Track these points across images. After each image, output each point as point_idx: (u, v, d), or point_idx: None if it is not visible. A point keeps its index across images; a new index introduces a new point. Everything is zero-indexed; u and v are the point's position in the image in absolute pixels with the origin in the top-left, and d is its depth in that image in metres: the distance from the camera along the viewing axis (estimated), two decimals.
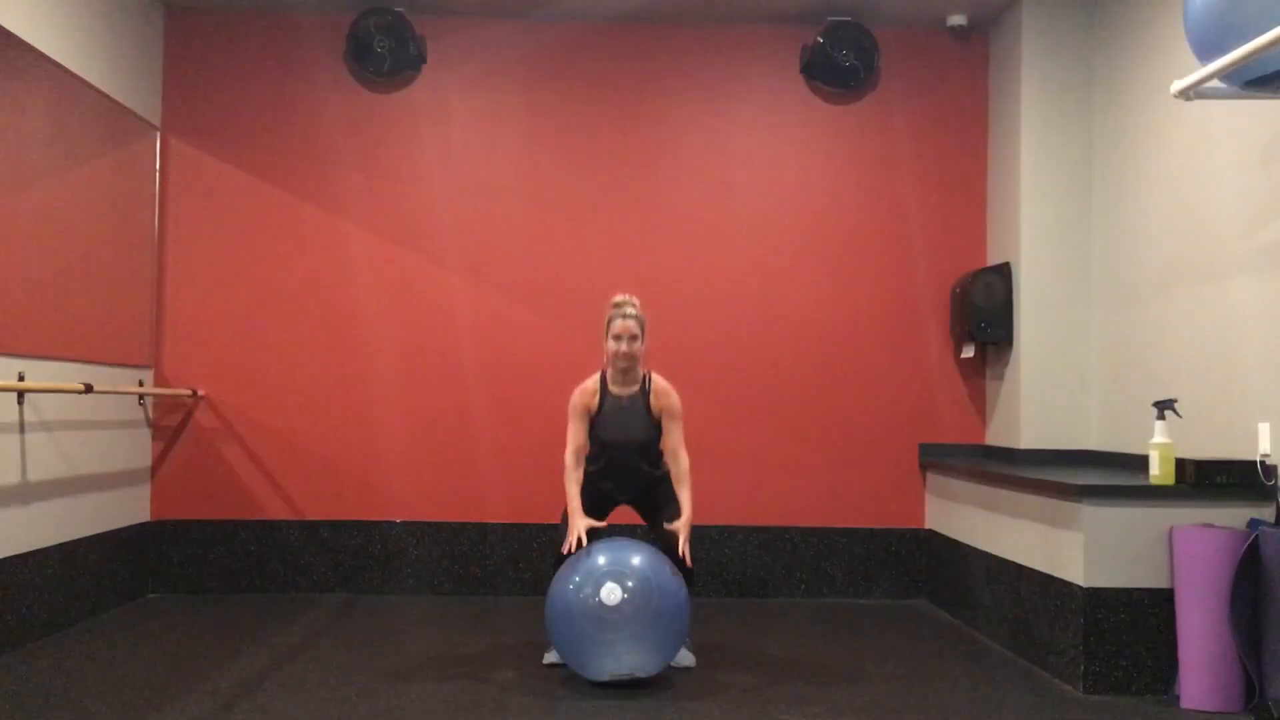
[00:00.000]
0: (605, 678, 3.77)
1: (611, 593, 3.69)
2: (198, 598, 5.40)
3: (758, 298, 5.70)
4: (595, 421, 4.13)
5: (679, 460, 4.13)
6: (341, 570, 5.56)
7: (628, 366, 4.11)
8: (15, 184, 4.25)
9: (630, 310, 4.11)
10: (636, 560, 3.80)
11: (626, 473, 4.19)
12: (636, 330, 4.08)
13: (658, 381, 4.17)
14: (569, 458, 4.11)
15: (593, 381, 4.18)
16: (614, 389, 4.15)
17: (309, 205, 5.63)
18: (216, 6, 5.59)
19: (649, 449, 4.17)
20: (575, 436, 4.12)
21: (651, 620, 3.72)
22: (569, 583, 3.79)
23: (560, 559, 4.00)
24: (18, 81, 4.27)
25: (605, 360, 4.16)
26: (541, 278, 5.67)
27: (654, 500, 4.22)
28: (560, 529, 4.08)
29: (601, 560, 3.79)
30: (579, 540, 3.88)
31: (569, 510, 4.01)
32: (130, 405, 5.29)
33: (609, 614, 3.69)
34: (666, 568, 3.85)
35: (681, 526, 4.00)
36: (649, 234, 5.70)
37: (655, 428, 4.15)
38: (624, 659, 3.73)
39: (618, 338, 4.07)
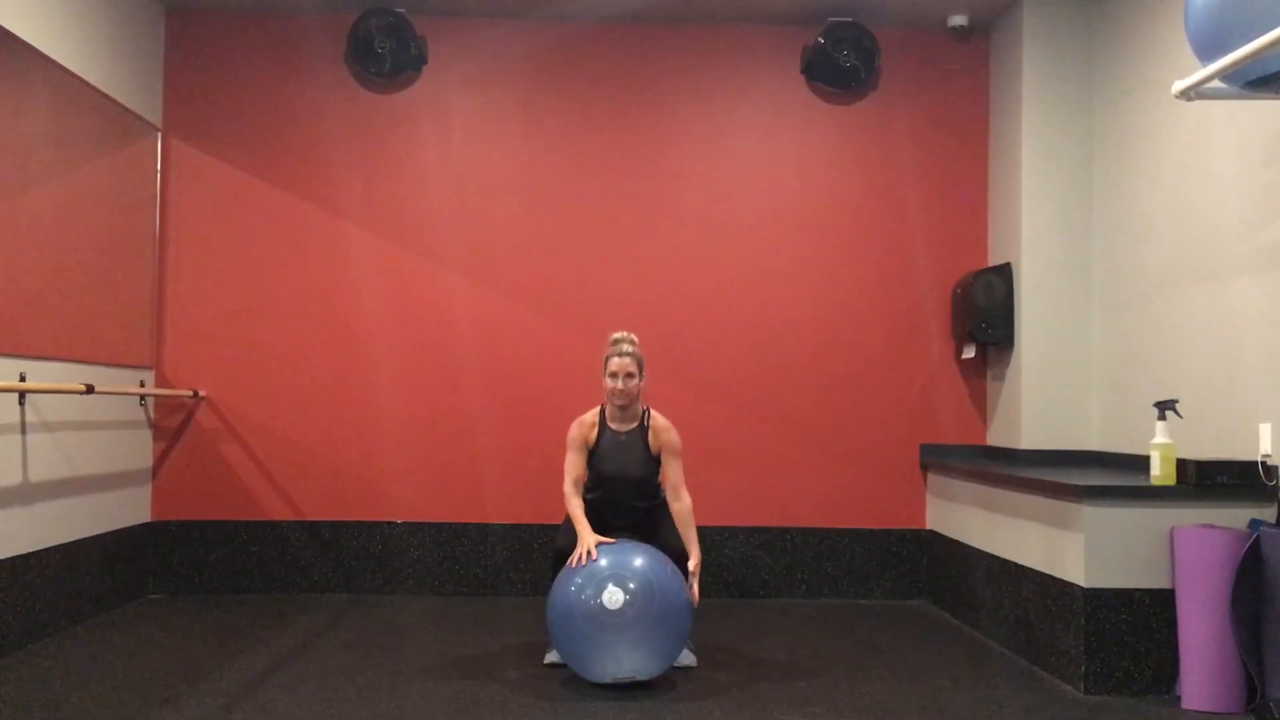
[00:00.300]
0: (606, 680, 3.77)
1: (613, 596, 3.69)
2: (199, 598, 5.41)
3: (758, 298, 5.70)
4: (593, 455, 4.15)
5: (681, 498, 4.13)
6: (342, 571, 5.56)
7: (625, 404, 4.12)
8: (16, 185, 4.25)
9: (627, 348, 4.11)
10: (638, 562, 3.80)
11: (623, 505, 4.21)
12: (633, 368, 4.08)
13: (657, 419, 4.17)
14: (568, 486, 4.11)
15: (592, 415, 4.19)
16: (613, 424, 4.17)
17: (310, 206, 5.64)
18: (217, 7, 5.60)
19: (646, 484, 4.19)
20: (573, 467, 4.13)
21: (653, 623, 3.72)
22: (570, 584, 3.79)
23: (559, 562, 4.01)
24: (18, 82, 4.27)
25: (604, 396, 4.17)
26: (542, 278, 5.67)
27: (650, 525, 4.23)
28: (564, 533, 4.09)
29: (604, 562, 3.79)
30: (588, 553, 3.83)
31: (576, 527, 3.97)
32: (131, 406, 5.29)
33: (610, 617, 3.68)
34: (668, 569, 3.85)
35: (692, 570, 4.00)
36: (649, 234, 5.70)
37: (653, 463, 4.17)
38: (624, 661, 3.73)
39: (614, 375, 4.08)
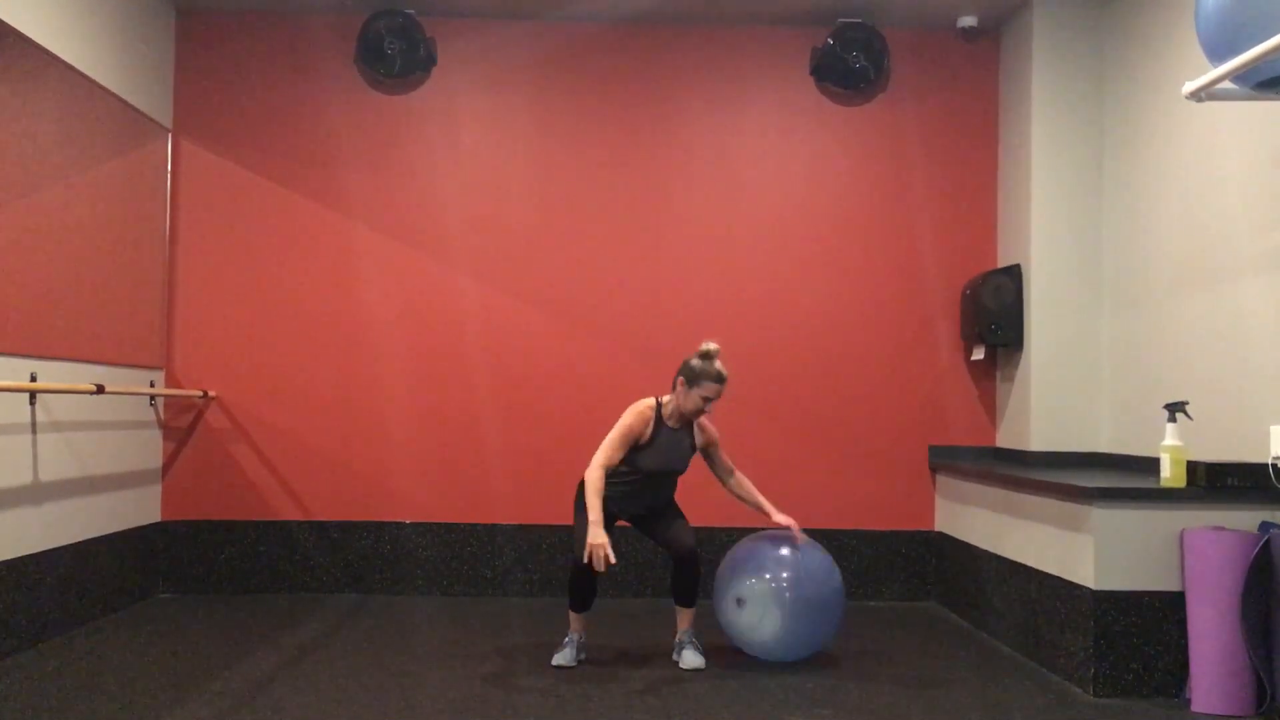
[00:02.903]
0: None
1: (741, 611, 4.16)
2: (208, 598, 5.42)
3: (768, 299, 5.70)
4: (642, 448, 4.12)
5: (736, 475, 4.39)
6: (351, 571, 5.57)
7: (694, 420, 4.20)
8: (27, 186, 4.27)
9: (724, 375, 4.08)
10: (784, 551, 4.23)
11: (650, 495, 4.23)
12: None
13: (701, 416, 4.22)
14: (598, 471, 4.00)
15: (649, 408, 4.15)
16: (669, 421, 4.17)
17: (320, 207, 5.65)
18: (228, 9, 5.61)
19: (680, 473, 4.29)
20: (614, 454, 4.06)
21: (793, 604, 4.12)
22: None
23: (579, 566, 4.02)
24: (30, 84, 4.29)
25: (675, 397, 4.14)
26: (551, 279, 5.67)
27: (655, 515, 4.26)
28: (578, 530, 4.05)
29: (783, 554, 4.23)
30: (605, 557, 3.83)
31: (591, 521, 3.91)
32: (141, 406, 5.31)
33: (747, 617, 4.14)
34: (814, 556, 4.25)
35: (788, 522, 4.29)
36: (658, 236, 5.71)
37: (691, 455, 4.25)
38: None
39: (707, 399, 4.08)
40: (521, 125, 5.72)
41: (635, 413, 4.11)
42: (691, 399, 4.07)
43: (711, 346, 4.12)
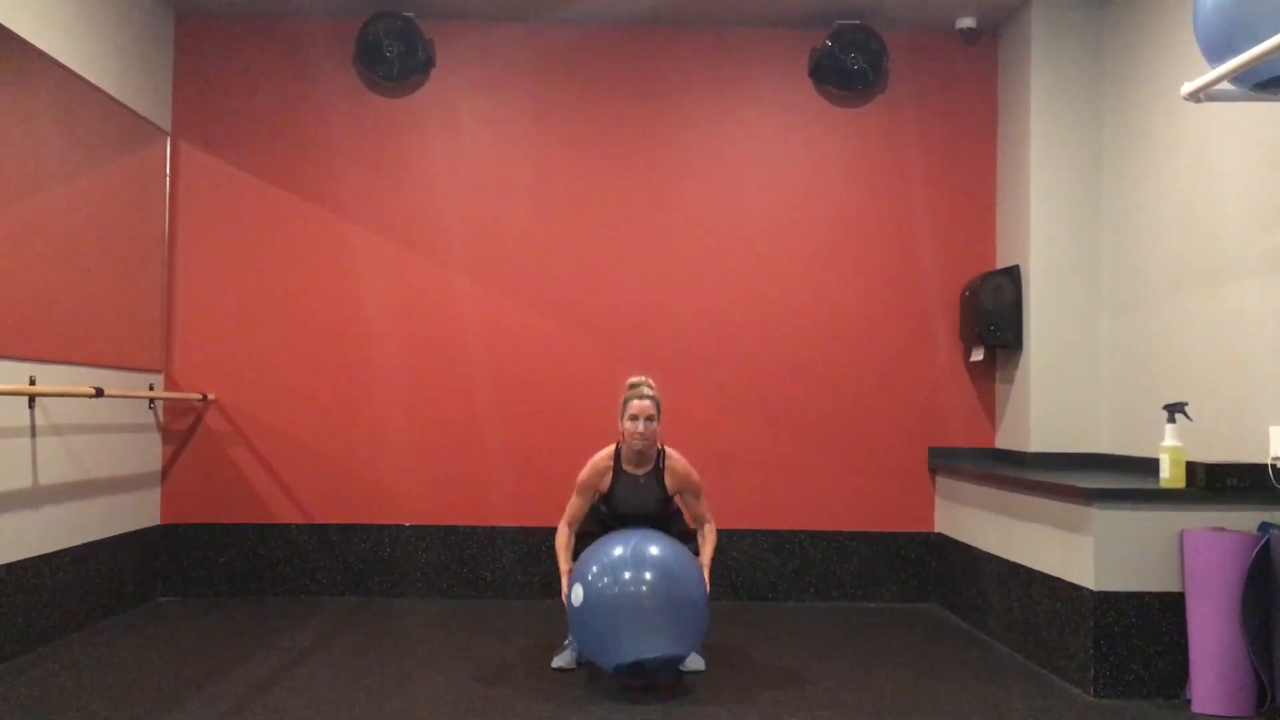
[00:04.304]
0: (627, 661, 3.69)
1: (576, 593, 3.77)
2: (208, 601, 5.42)
3: (767, 301, 5.70)
4: (608, 497, 4.14)
5: (704, 529, 4.15)
6: (351, 574, 5.57)
7: (644, 447, 4.09)
8: (26, 189, 4.27)
9: (647, 390, 4.08)
10: (655, 550, 3.79)
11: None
12: (653, 410, 4.05)
13: (673, 460, 4.14)
14: (564, 528, 4.14)
15: (605, 458, 4.15)
16: (628, 467, 4.14)
17: (319, 209, 5.65)
18: (226, 11, 5.61)
19: (662, 516, 4.20)
20: (575, 509, 4.15)
21: (670, 607, 3.71)
22: (588, 574, 3.80)
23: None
24: (28, 86, 4.29)
25: (620, 437, 4.13)
26: (550, 282, 5.67)
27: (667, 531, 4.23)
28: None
29: (618, 550, 3.79)
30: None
31: (562, 573, 4.06)
32: (141, 409, 5.30)
33: (575, 612, 3.77)
34: (684, 557, 3.86)
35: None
36: (657, 237, 5.71)
37: (669, 501, 4.18)
38: (642, 644, 3.67)
39: (634, 418, 4.04)
40: (520, 127, 5.72)
41: (589, 465, 4.15)
42: (624, 428, 4.08)
43: (633, 379, 4.16)
